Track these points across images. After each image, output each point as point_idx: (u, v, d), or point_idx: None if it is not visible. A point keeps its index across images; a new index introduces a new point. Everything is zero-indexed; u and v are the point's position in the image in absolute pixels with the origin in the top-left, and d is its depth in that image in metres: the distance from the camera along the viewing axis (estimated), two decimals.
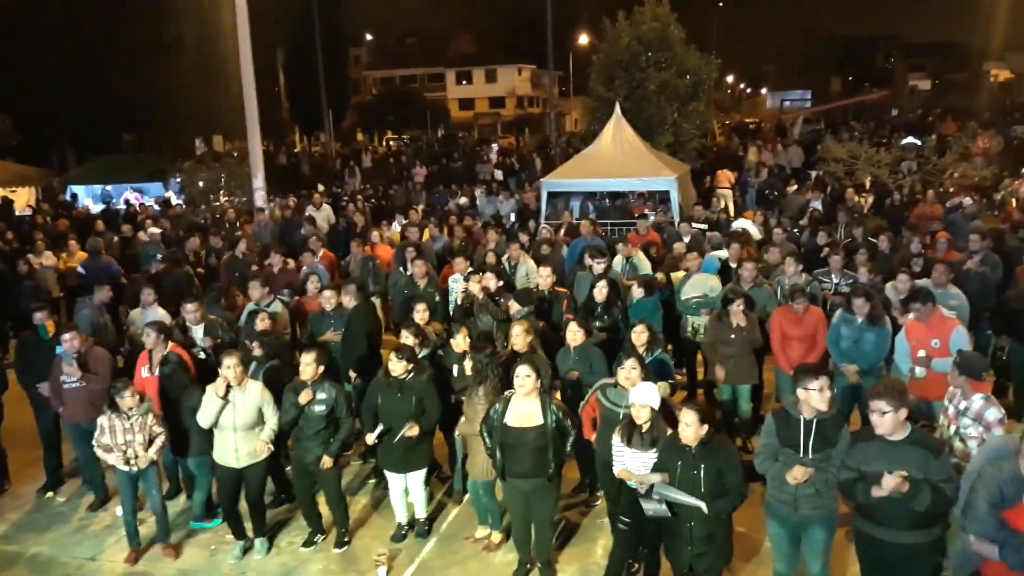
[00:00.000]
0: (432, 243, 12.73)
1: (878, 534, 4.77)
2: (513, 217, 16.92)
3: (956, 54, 61.97)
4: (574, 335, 6.90)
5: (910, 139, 24.66)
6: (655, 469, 5.17)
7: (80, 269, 12.11)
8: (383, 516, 7.13)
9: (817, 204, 15.20)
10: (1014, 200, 15.39)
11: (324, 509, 6.82)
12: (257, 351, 7.34)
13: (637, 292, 8.04)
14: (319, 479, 6.54)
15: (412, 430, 6.24)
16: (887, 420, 4.60)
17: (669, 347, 7.48)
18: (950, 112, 34.22)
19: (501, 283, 8.91)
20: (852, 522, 5.06)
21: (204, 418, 6.27)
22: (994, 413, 5.36)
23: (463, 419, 6.40)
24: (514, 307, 8.06)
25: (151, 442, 6.38)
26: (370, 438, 6.37)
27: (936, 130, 30.17)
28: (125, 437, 6.32)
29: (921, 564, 4.77)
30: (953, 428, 5.55)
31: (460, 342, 7.05)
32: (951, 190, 16.65)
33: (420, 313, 7.84)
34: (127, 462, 6.33)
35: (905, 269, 8.75)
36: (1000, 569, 4.24)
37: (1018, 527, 4.16)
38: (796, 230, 12.45)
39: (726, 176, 20.48)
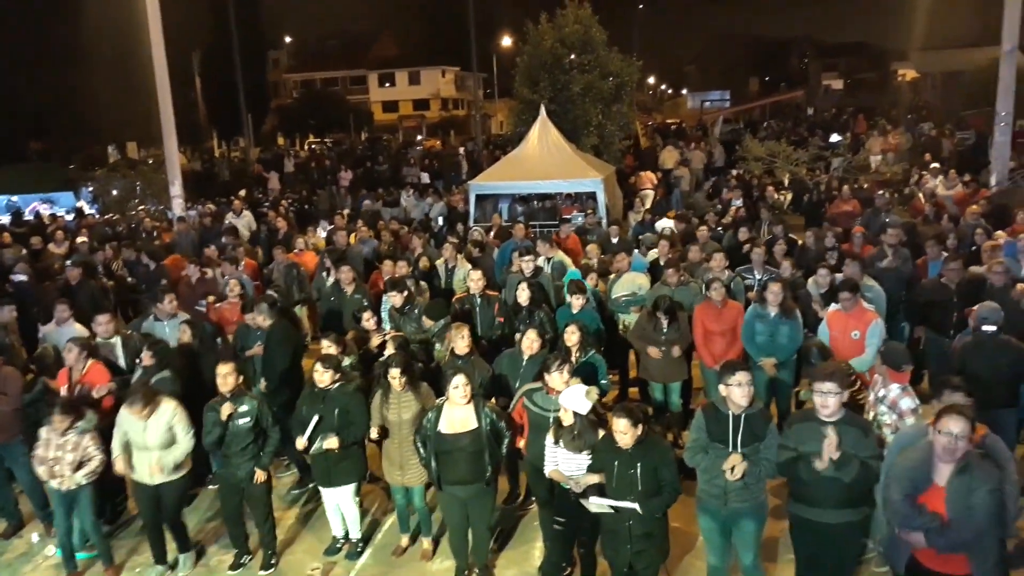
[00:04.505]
0: (361, 246, 12.55)
1: (812, 515, 4.95)
2: (441, 220, 16.83)
3: (866, 55, 64.36)
4: (531, 344, 6.76)
5: (836, 136, 25.56)
6: (591, 470, 5.18)
7: (21, 276, 11.32)
8: (315, 530, 6.97)
9: (738, 202, 15.55)
10: (921, 195, 16.02)
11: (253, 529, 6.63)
12: (147, 360, 7.02)
13: (576, 302, 7.97)
14: (248, 496, 6.33)
15: (330, 442, 6.06)
16: (834, 401, 4.82)
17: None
18: (862, 111, 35.49)
19: (426, 291, 8.83)
20: (787, 508, 5.20)
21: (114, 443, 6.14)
22: (907, 403, 5.58)
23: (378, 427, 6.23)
24: (428, 322, 7.90)
25: (82, 464, 6.11)
26: (300, 443, 6.16)
27: (851, 128, 31.26)
28: (55, 453, 6.08)
29: (850, 542, 5.06)
30: (872, 414, 5.75)
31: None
32: (865, 186, 17.26)
33: (368, 321, 7.76)
34: (52, 477, 6.10)
35: (824, 263, 9.01)
36: (931, 553, 4.38)
37: (935, 509, 4.30)
38: (720, 228, 12.70)
39: (648, 177, 20.82)
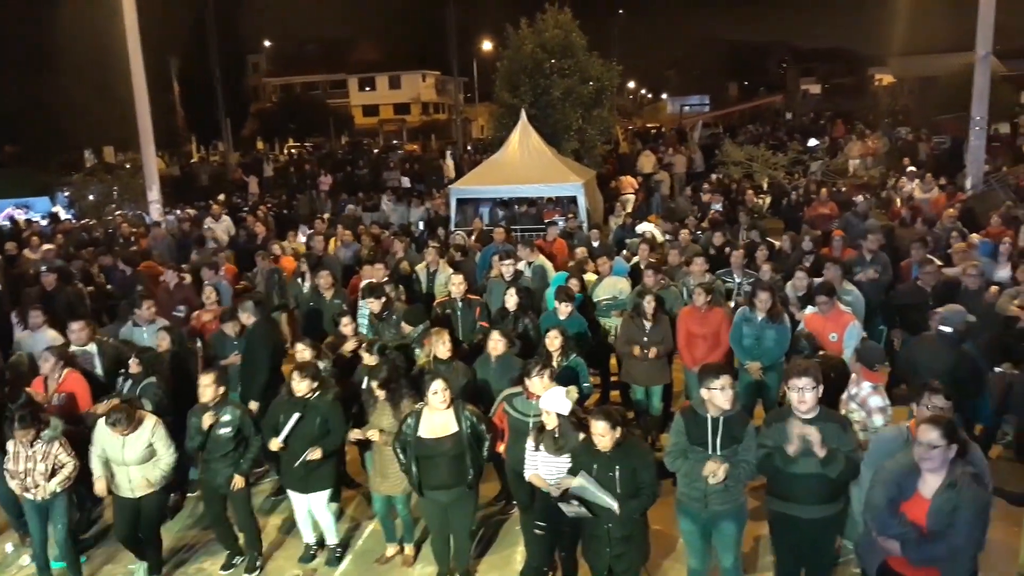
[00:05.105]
0: (345, 250, 12.50)
1: (794, 511, 4.99)
2: (422, 225, 16.81)
3: (844, 60, 65.01)
4: (495, 345, 6.80)
5: (814, 141, 25.80)
6: (570, 474, 5.18)
7: None
8: (296, 536, 6.89)
9: (717, 206, 15.64)
10: (899, 199, 16.21)
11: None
12: (134, 368, 6.97)
13: (564, 309, 7.95)
14: (231, 502, 6.32)
15: (314, 453, 6.06)
16: (810, 396, 4.87)
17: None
18: (840, 115, 35.84)
19: (404, 297, 8.78)
20: (766, 506, 5.24)
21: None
22: (877, 401, 5.65)
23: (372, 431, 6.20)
24: (406, 328, 7.85)
25: (55, 472, 6.04)
26: (275, 443, 6.12)
27: (828, 132, 31.56)
28: (26, 465, 6.00)
29: (828, 536, 5.14)
30: (844, 411, 5.80)
31: (370, 359, 6.94)
32: (843, 189, 17.42)
33: (347, 327, 7.69)
34: (26, 490, 6.02)
35: (801, 267, 9.07)
36: (903, 562, 4.38)
37: (915, 519, 4.30)
38: (699, 232, 12.76)
39: (629, 182, 20.90)
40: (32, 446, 6.00)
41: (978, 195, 15.88)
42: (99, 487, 6.09)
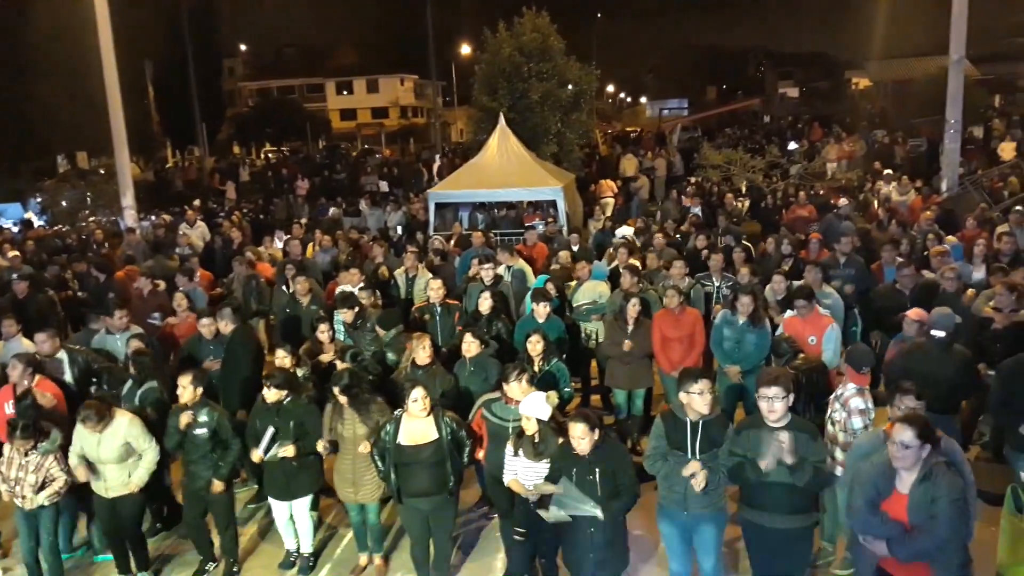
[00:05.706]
0: (323, 255, 12.40)
1: (763, 521, 4.96)
2: (400, 229, 16.71)
3: (821, 64, 65.54)
4: (468, 347, 6.80)
5: (793, 145, 25.97)
6: (548, 479, 5.14)
7: None
8: (272, 544, 6.85)
9: (696, 210, 15.67)
10: (876, 201, 16.33)
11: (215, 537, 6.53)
12: (132, 369, 6.92)
13: (543, 311, 7.91)
14: (210, 505, 6.28)
15: (286, 450, 6.00)
16: (780, 406, 4.82)
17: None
18: (817, 118, 36.10)
19: (380, 302, 8.69)
20: (738, 513, 5.20)
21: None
22: (857, 403, 5.64)
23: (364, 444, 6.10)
24: (380, 332, 7.79)
25: (44, 485, 5.96)
26: (255, 455, 6.07)
27: (806, 135, 31.80)
28: (17, 473, 5.94)
29: (800, 547, 5.05)
30: (829, 411, 5.84)
31: (343, 365, 6.85)
32: (821, 192, 17.52)
33: (323, 333, 7.60)
34: (14, 497, 5.97)
35: (780, 270, 9.09)
36: (894, 562, 4.37)
37: (897, 516, 4.31)
38: (679, 235, 12.77)
39: (609, 185, 20.93)
40: (26, 455, 5.94)
41: (955, 197, 16.03)
42: (79, 474, 5.98)
